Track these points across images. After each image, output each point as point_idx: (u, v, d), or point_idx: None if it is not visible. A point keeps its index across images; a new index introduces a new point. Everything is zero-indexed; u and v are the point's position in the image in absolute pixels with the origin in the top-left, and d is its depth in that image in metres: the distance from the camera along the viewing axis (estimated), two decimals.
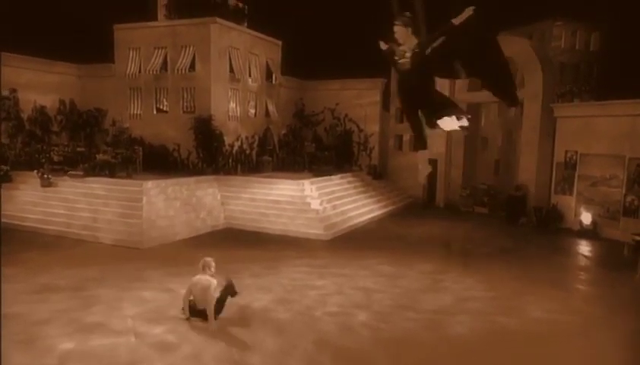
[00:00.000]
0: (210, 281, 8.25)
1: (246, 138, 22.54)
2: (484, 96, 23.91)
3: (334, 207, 18.63)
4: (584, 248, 15.95)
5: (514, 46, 21.39)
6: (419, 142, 4.94)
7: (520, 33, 23.77)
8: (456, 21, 4.20)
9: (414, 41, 4.56)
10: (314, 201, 18.02)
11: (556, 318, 9.46)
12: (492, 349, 8.05)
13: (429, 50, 4.39)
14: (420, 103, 4.69)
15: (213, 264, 8.48)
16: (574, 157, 18.73)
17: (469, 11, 4.17)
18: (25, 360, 7.22)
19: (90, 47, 23.23)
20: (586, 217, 17.81)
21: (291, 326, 8.63)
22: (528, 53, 20.67)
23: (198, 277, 8.33)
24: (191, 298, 8.50)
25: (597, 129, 17.95)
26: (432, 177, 25.12)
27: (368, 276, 11.87)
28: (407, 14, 4.60)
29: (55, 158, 19.16)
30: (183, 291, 8.90)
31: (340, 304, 9.87)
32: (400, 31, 4.59)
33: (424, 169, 5.13)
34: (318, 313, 9.34)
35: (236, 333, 8.24)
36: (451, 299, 10.33)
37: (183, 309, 8.59)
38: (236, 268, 11.99)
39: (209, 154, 20.54)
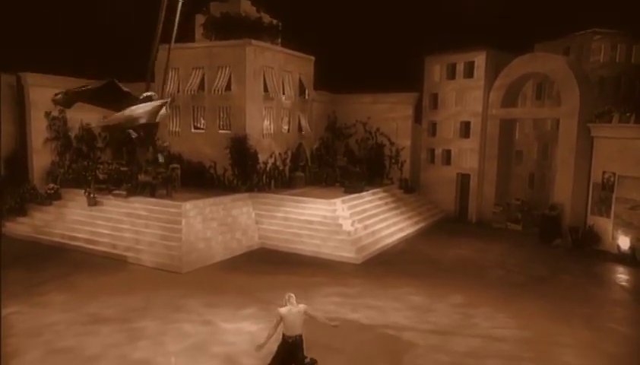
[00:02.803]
0: (299, 307, 8.49)
1: (279, 154, 23.03)
2: (518, 112, 23.69)
3: (366, 227, 18.88)
4: (622, 276, 15.66)
5: (550, 63, 21.07)
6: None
7: (557, 46, 23.21)
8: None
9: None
10: (346, 221, 18.33)
11: None
12: None
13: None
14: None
15: (293, 296, 8.63)
16: (611, 179, 18.33)
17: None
18: None
19: (132, 66, 24.17)
20: (624, 242, 17.45)
21: None
22: (565, 71, 20.28)
23: (287, 308, 8.41)
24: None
25: (636, 151, 17.51)
26: (464, 192, 25.06)
27: (399, 309, 12.12)
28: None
29: (100, 177, 20.18)
30: (225, 324, 9.54)
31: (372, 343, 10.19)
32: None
33: None
34: None
35: None
36: (482, 340, 10.45)
37: (265, 340, 8.44)
38: (271, 296, 12.45)
39: (244, 172, 21.14)
